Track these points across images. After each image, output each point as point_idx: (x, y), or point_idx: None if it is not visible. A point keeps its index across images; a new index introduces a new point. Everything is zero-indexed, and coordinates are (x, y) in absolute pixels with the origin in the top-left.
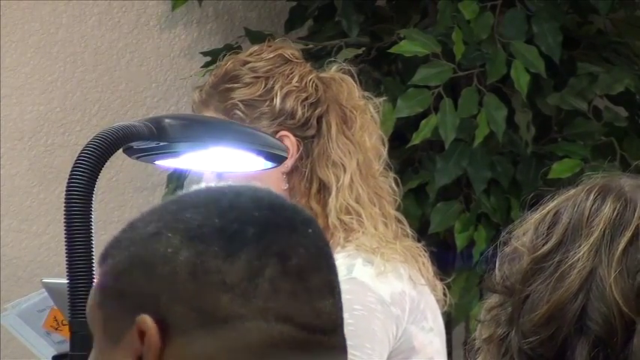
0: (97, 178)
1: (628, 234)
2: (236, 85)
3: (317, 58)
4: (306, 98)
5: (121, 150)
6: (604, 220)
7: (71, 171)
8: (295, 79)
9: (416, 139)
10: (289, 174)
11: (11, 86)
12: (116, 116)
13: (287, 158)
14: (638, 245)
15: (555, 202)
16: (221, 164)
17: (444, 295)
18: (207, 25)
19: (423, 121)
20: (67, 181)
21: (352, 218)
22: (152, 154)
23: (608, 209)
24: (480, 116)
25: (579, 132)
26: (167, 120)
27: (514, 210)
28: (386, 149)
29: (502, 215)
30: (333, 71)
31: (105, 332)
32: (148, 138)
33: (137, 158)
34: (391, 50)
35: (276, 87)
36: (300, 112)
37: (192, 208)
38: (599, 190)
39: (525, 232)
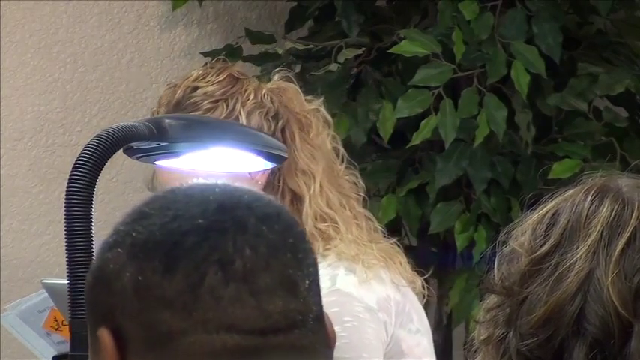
0: (97, 178)
1: (625, 235)
2: (197, 112)
3: (317, 58)
4: (267, 112)
5: (121, 150)
6: (602, 222)
7: (71, 171)
8: (252, 95)
9: (416, 140)
10: (263, 189)
11: (11, 86)
12: (116, 117)
13: (286, 158)
14: (636, 247)
15: (553, 202)
16: (221, 164)
17: (423, 287)
18: (207, 25)
19: (424, 122)
20: (67, 181)
21: (328, 225)
22: (152, 155)
23: (605, 211)
24: (480, 116)
25: (579, 132)
26: (167, 120)
27: (514, 210)
28: (340, 146)
29: (502, 216)
30: (276, 80)
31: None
32: (149, 138)
33: (137, 159)
34: (391, 50)
35: (238, 107)
36: (265, 127)
37: (144, 219)
38: (597, 190)
39: (524, 233)
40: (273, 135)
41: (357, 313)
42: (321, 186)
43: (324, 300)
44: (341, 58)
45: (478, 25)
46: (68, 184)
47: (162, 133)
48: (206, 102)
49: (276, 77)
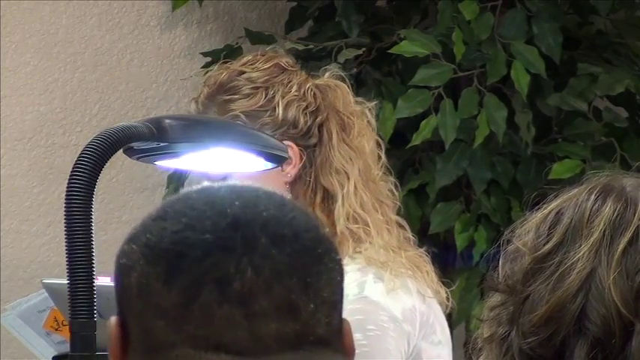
0: (97, 178)
1: (628, 235)
2: (235, 96)
3: (317, 58)
4: (307, 107)
5: (121, 150)
6: (604, 221)
7: (71, 171)
8: (294, 88)
9: (416, 140)
10: (292, 184)
11: (12, 87)
12: (116, 117)
13: (287, 159)
14: (638, 246)
15: (557, 201)
16: (221, 165)
17: (447, 299)
18: (207, 25)
19: (423, 122)
20: (67, 181)
21: (359, 227)
22: (152, 155)
23: (608, 210)
24: (480, 117)
25: (579, 132)
26: (167, 120)
27: (514, 210)
28: (383, 153)
29: (502, 216)
30: (326, 77)
31: None
32: (149, 138)
33: (137, 159)
34: (391, 51)
35: (277, 97)
36: (302, 121)
37: (162, 220)
38: (600, 190)
39: (527, 232)
40: (309, 130)
41: (381, 322)
42: (355, 187)
43: (350, 307)
44: (341, 59)
45: (478, 25)
46: (68, 184)
47: (162, 133)
48: (247, 87)
49: (327, 75)
